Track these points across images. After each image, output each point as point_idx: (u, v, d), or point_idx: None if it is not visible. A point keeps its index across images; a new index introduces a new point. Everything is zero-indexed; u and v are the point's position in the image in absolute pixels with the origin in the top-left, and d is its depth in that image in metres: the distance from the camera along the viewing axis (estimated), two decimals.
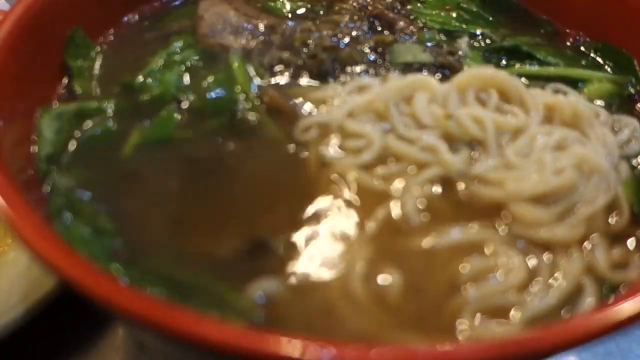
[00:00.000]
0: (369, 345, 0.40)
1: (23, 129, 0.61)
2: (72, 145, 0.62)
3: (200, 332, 0.41)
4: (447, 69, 0.75)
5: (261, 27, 0.79)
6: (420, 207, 0.57)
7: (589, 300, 0.51)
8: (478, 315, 0.50)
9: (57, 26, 0.70)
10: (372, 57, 0.77)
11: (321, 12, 0.87)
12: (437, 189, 0.59)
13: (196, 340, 0.41)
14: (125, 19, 0.81)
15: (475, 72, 0.66)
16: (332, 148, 0.62)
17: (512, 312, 0.51)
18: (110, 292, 0.43)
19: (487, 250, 0.55)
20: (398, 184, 0.59)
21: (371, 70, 0.74)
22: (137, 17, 0.82)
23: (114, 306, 0.43)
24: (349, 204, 0.58)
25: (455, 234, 0.55)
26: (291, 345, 0.40)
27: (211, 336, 0.41)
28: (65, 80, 0.70)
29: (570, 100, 0.67)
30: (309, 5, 0.88)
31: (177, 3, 0.86)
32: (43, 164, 0.59)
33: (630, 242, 0.57)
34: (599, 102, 0.72)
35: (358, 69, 0.74)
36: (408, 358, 0.41)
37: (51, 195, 0.57)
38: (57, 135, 0.62)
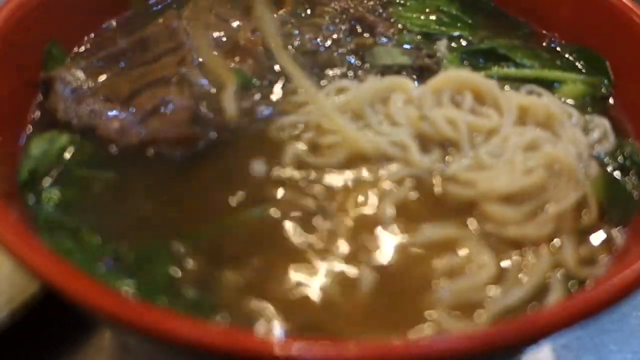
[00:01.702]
0: (336, 341, 0.42)
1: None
2: (56, 164, 0.63)
3: (181, 333, 0.42)
4: (425, 71, 0.77)
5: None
6: (394, 206, 0.59)
7: (555, 296, 0.53)
8: (448, 311, 0.52)
9: (34, 41, 0.71)
10: (352, 60, 0.79)
11: (303, 15, 0.89)
12: (411, 189, 0.60)
13: (178, 341, 0.42)
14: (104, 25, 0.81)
15: (450, 75, 0.68)
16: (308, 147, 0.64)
17: (481, 308, 0.52)
18: (94, 297, 0.44)
19: (458, 248, 0.56)
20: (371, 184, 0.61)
21: (350, 73, 0.76)
22: (114, 23, 0.82)
23: (98, 310, 0.45)
24: (322, 202, 0.59)
25: (428, 232, 0.57)
26: (268, 345, 0.42)
27: (193, 337, 0.42)
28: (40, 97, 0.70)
29: (544, 102, 0.69)
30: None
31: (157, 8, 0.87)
32: (25, 177, 0.61)
33: (598, 239, 0.58)
34: (572, 103, 0.74)
35: (337, 72, 0.76)
36: (376, 353, 0.42)
37: (37, 207, 0.59)
38: (43, 155, 0.63)
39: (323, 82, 0.73)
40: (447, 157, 0.63)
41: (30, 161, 0.62)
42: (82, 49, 0.77)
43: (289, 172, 0.62)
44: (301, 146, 0.64)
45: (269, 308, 0.51)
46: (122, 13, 0.84)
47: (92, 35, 0.79)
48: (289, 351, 0.41)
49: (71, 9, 0.75)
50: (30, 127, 0.67)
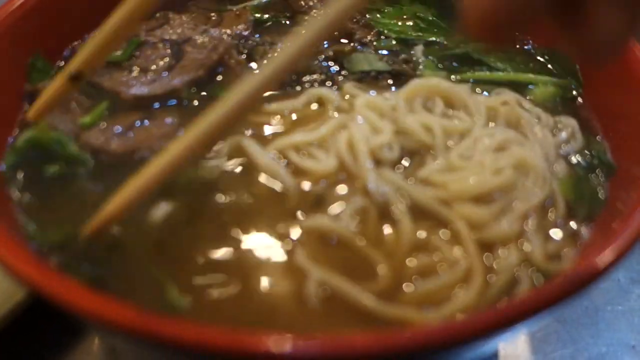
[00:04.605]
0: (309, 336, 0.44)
1: None
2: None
3: (171, 335, 0.44)
4: (402, 76, 0.79)
5: None
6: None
7: (523, 290, 0.55)
8: (421, 308, 0.54)
9: (18, 53, 0.73)
10: (330, 66, 0.81)
11: (284, 23, 0.91)
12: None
13: (168, 344, 0.45)
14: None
15: (420, 83, 0.70)
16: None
17: (452, 305, 0.54)
18: (79, 299, 0.47)
19: (431, 248, 0.58)
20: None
21: (328, 80, 0.78)
22: None
23: (83, 312, 0.47)
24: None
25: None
26: (259, 343, 0.44)
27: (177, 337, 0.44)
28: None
29: (513, 104, 0.71)
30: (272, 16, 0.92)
31: None
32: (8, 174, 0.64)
33: (565, 235, 0.61)
34: (544, 104, 0.76)
35: (315, 78, 0.78)
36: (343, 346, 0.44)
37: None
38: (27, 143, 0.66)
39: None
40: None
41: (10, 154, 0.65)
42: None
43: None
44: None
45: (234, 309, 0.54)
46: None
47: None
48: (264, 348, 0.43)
49: (54, 22, 0.77)
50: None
